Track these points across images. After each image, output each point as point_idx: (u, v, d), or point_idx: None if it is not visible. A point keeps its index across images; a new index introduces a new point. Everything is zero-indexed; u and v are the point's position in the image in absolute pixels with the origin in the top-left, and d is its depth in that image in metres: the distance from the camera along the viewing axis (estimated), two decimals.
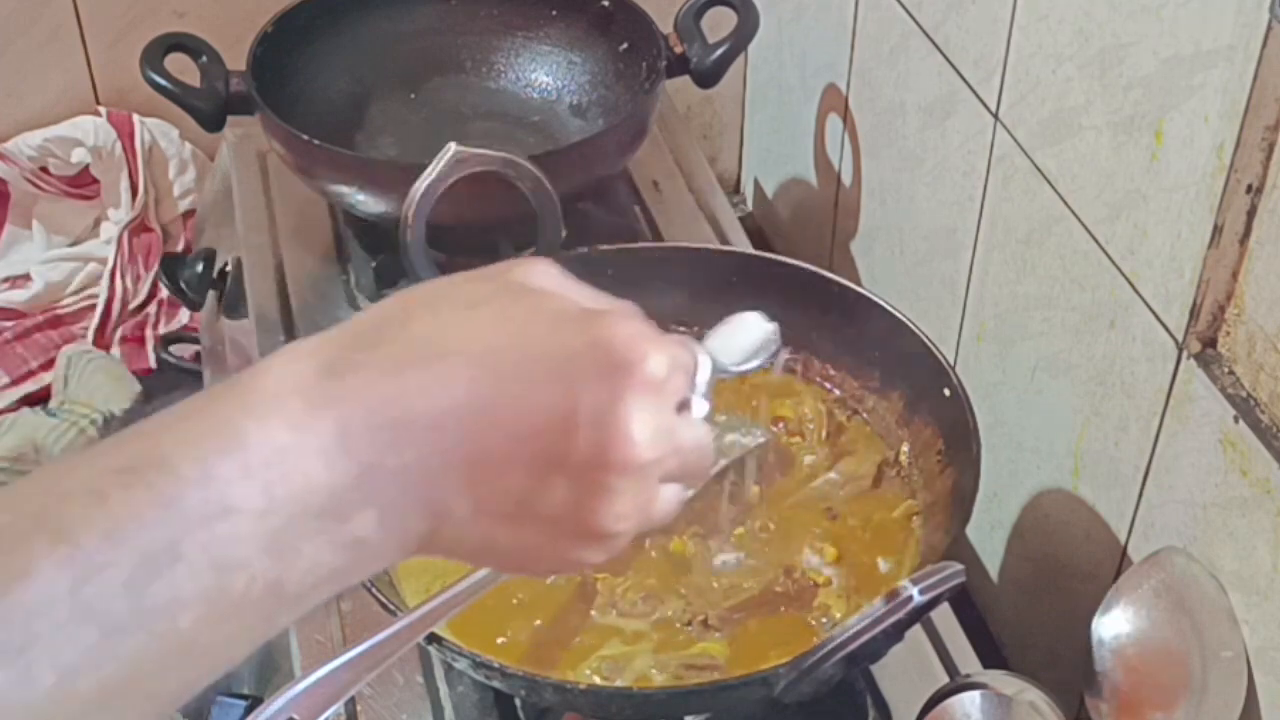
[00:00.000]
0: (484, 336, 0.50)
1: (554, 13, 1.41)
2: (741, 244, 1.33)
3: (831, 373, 1.05)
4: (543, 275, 0.54)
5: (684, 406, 0.55)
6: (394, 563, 0.50)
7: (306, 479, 0.46)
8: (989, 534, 1.21)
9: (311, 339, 0.50)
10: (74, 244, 1.64)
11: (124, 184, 1.60)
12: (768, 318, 0.63)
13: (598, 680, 0.86)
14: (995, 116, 1.10)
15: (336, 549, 0.47)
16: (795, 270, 1.05)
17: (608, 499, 0.51)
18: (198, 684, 0.47)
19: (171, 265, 1.40)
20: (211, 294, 1.37)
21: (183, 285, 1.37)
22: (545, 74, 1.42)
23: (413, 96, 1.41)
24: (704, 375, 0.57)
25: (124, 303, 1.60)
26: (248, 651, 0.48)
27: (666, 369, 0.52)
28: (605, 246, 1.09)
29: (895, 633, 0.79)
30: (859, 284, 1.12)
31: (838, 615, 0.89)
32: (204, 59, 1.30)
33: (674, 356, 0.53)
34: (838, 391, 1.05)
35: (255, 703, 0.89)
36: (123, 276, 1.60)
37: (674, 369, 0.53)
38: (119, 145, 1.59)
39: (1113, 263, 0.96)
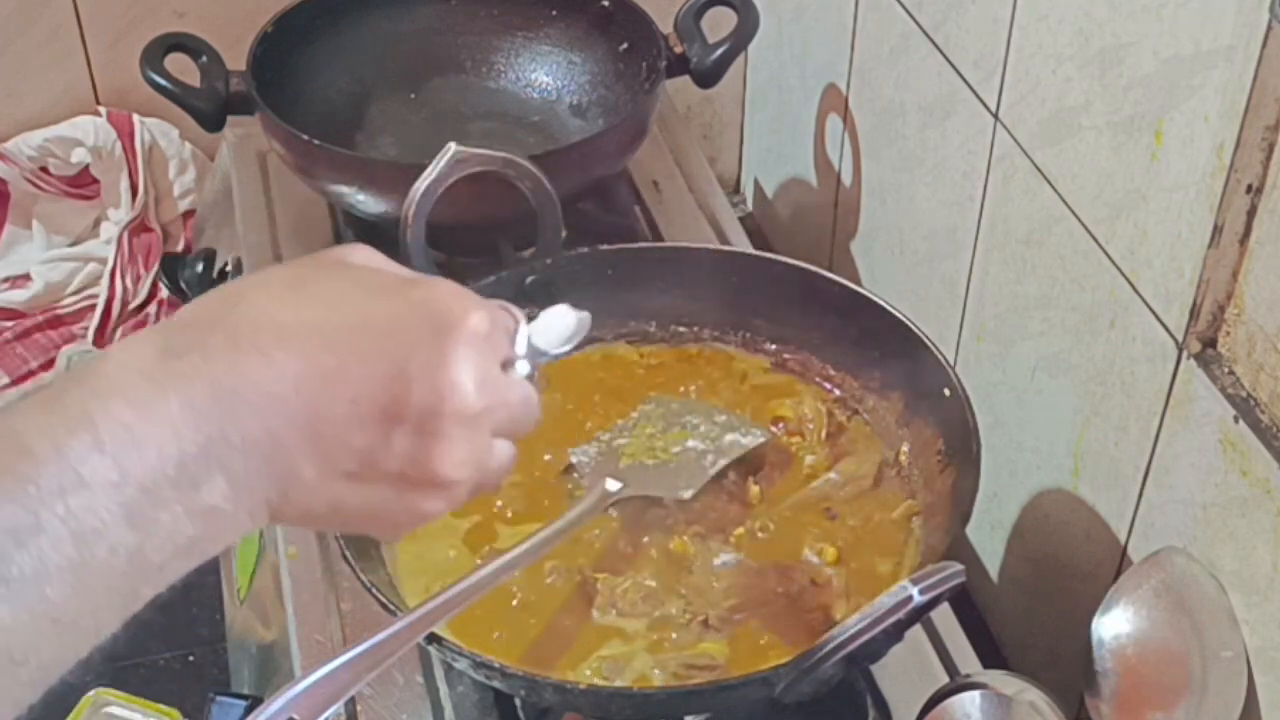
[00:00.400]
0: (314, 309, 0.54)
1: (554, 13, 1.41)
2: (741, 244, 1.33)
3: (831, 373, 1.05)
4: (362, 255, 0.58)
5: (508, 365, 0.59)
6: (248, 531, 0.53)
7: (156, 451, 0.48)
8: (989, 534, 1.21)
9: (149, 328, 0.53)
10: (74, 244, 1.64)
11: (124, 184, 1.60)
12: (575, 308, 0.66)
13: (598, 680, 0.86)
14: (995, 116, 1.10)
15: (192, 517, 0.50)
16: (795, 270, 1.05)
17: (445, 446, 0.55)
18: (67, 658, 0.49)
19: (171, 265, 1.40)
20: None
21: (183, 285, 1.37)
22: (545, 74, 1.42)
23: (413, 96, 1.41)
24: (523, 337, 0.61)
25: (124, 303, 1.60)
26: (115, 625, 0.49)
27: (488, 325, 0.56)
28: (605, 246, 1.09)
29: (895, 633, 0.79)
30: (859, 284, 1.12)
31: (838, 615, 0.89)
32: (204, 59, 1.30)
33: (494, 316, 0.58)
34: (838, 391, 1.04)
35: (255, 703, 0.89)
36: (123, 276, 1.60)
37: (495, 326, 0.57)
38: (119, 145, 1.59)
39: (1113, 263, 0.96)
